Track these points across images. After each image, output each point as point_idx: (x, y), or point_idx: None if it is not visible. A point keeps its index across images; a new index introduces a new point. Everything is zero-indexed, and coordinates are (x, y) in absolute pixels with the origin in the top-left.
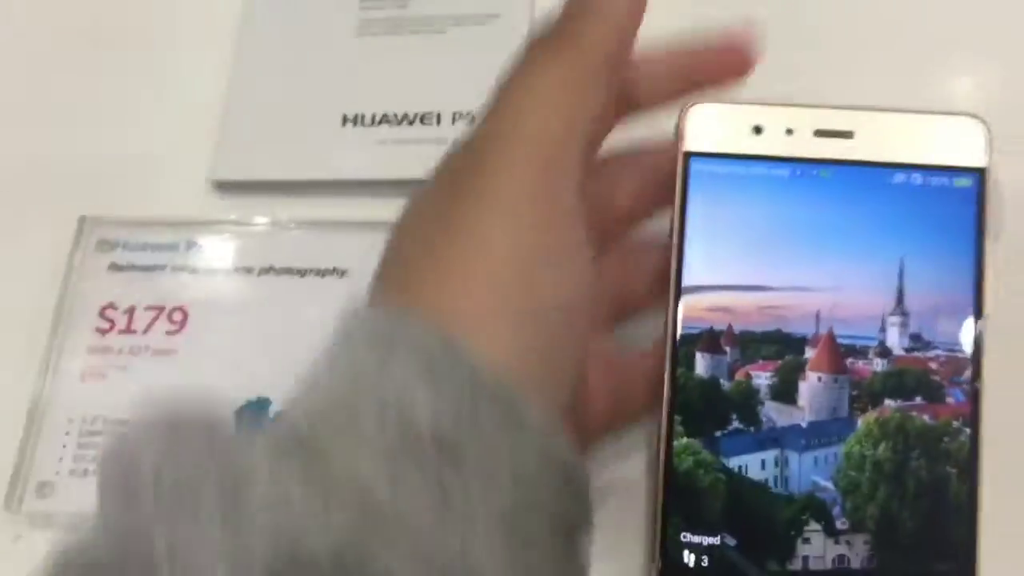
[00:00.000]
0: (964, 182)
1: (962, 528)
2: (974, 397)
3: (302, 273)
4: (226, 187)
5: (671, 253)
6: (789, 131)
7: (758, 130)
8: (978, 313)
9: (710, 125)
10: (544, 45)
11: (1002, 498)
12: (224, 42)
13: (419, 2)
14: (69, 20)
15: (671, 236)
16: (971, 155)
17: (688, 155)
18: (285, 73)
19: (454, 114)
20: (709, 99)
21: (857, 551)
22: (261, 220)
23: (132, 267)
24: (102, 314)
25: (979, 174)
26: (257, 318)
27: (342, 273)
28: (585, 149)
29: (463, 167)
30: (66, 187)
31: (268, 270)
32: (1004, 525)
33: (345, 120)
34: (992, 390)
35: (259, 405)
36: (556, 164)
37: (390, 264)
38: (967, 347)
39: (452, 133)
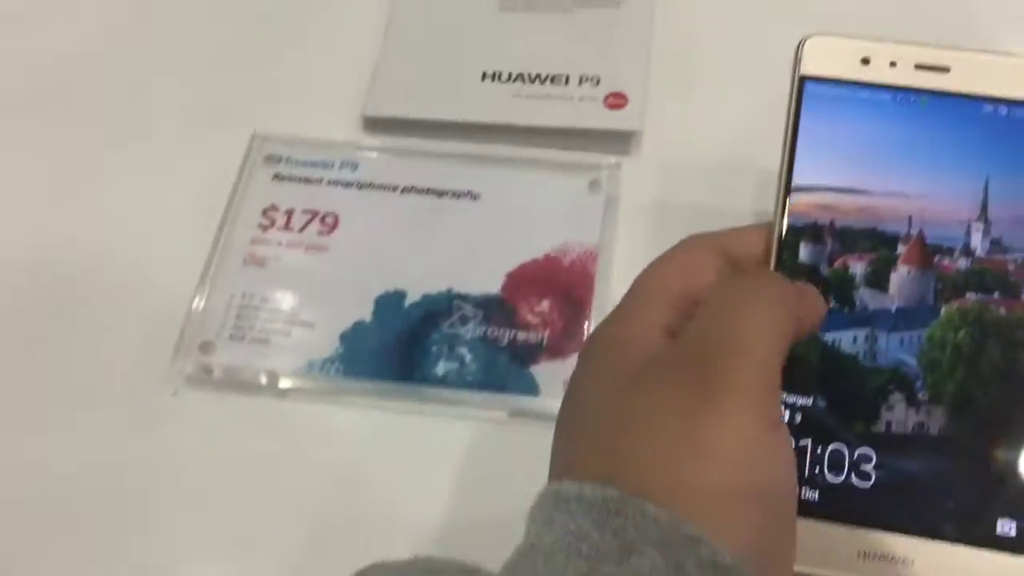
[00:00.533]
0: None
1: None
2: None
3: (440, 194)
4: (375, 123)
5: (782, 158)
6: (893, 63)
7: (866, 61)
8: None
9: (823, 54)
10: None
11: None
12: (381, 6)
13: None
14: None
15: (783, 146)
16: None
17: (803, 79)
18: (434, 34)
19: (581, 76)
20: (824, 33)
21: (935, 420)
22: (408, 147)
23: (293, 178)
24: (265, 214)
25: None
26: (398, 226)
27: (475, 196)
28: None
29: (696, 368)
30: (242, 109)
31: (410, 189)
32: None
33: (484, 76)
34: None
35: (396, 296)
36: (775, 382)
37: (611, 440)
38: None
39: (579, 92)
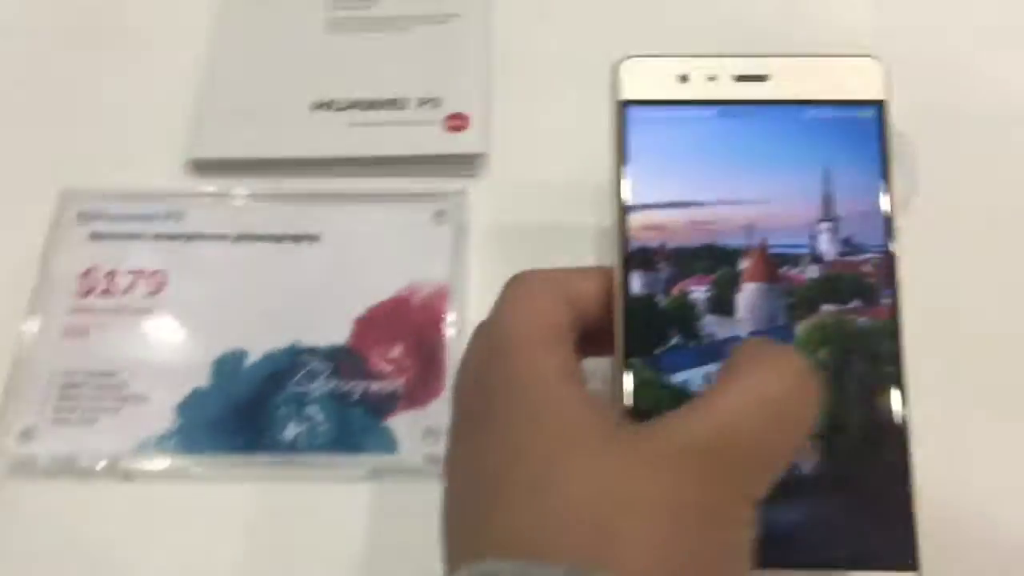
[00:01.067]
0: (866, 113)
1: (897, 425)
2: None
3: (278, 239)
4: (202, 165)
5: (612, 188)
6: (711, 78)
7: (684, 78)
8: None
9: (640, 76)
10: None
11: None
12: (201, 35)
13: (383, 4)
14: (51, 4)
15: (611, 174)
16: (871, 90)
17: (622, 103)
18: (258, 64)
19: (419, 99)
20: (638, 54)
21: (808, 456)
22: (238, 192)
23: (112, 235)
24: (84, 277)
25: (879, 105)
26: (233, 279)
27: (315, 239)
28: None
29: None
30: (50, 164)
31: (244, 237)
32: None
33: (316, 106)
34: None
35: (235, 357)
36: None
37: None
38: (895, 249)
39: (418, 115)
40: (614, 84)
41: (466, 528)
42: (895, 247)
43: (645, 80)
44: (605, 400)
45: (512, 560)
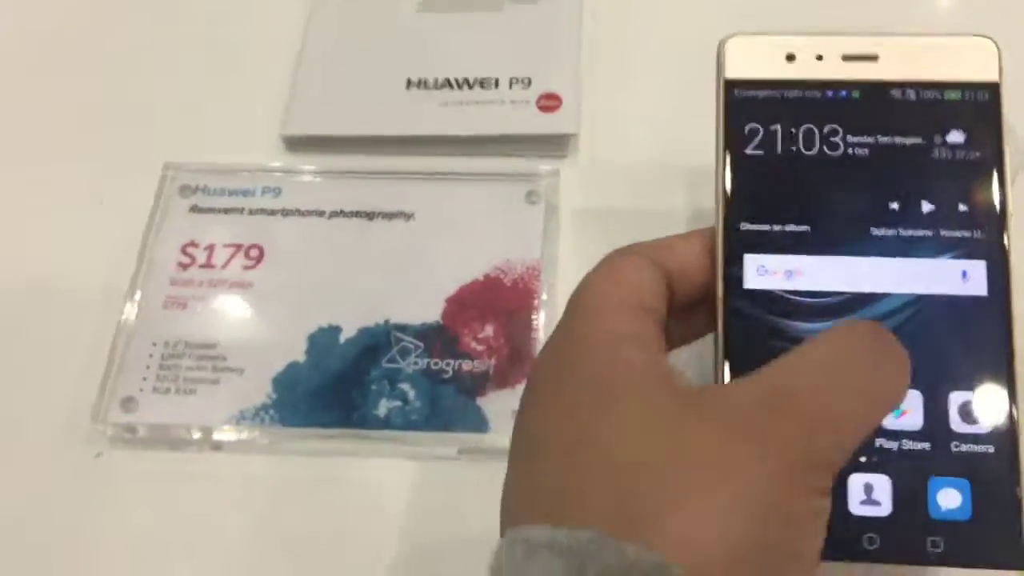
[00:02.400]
0: (982, 96)
1: (1007, 413)
2: None
3: (370, 216)
4: (296, 143)
5: (717, 169)
6: (819, 57)
7: (791, 57)
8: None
9: (746, 55)
10: None
11: None
12: (297, 15)
13: None
14: None
15: (716, 156)
16: (985, 71)
17: (728, 83)
18: (351, 42)
19: (511, 79)
20: (744, 32)
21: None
22: (333, 169)
23: (212, 209)
24: (183, 251)
25: (994, 88)
26: (328, 255)
27: (408, 216)
28: None
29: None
30: (153, 138)
31: (338, 213)
32: None
33: (409, 84)
34: None
35: (331, 332)
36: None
37: (584, 474)
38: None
39: (510, 95)
40: (719, 63)
41: (510, 492)
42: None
43: (751, 58)
44: (683, 371)
45: (543, 525)
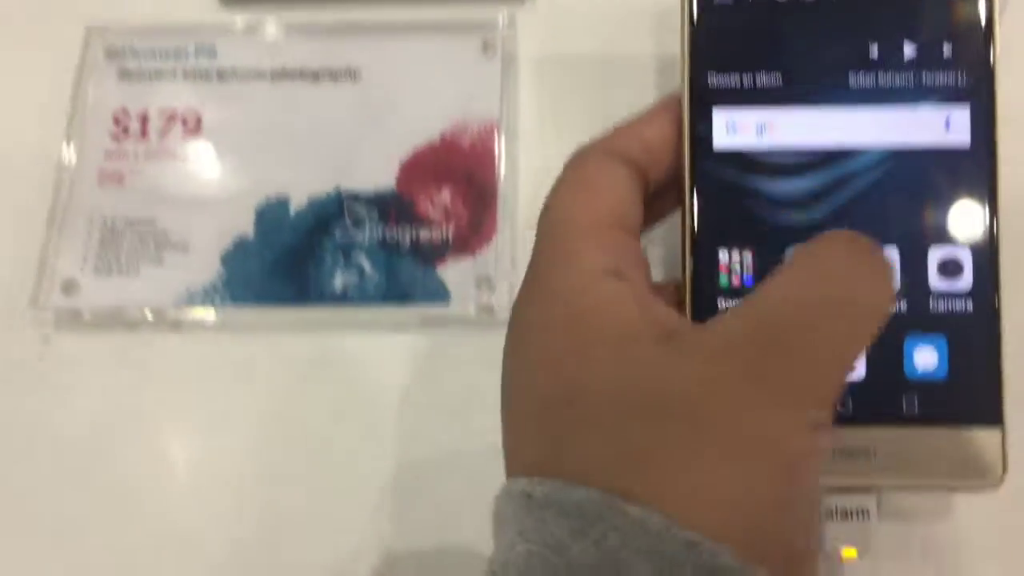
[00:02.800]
0: None
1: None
2: None
3: (315, 76)
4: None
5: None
6: None
7: None
8: None
9: None
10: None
11: None
12: None
13: None
14: None
15: (681, 15)
16: None
17: None
18: None
19: None
20: None
21: None
22: (272, 25)
23: (143, 74)
24: (115, 121)
25: None
26: (271, 120)
27: (356, 75)
28: None
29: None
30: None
31: (281, 73)
32: None
33: None
34: None
35: (279, 204)
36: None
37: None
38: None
39: None
40: None
41: (507, 439)
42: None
43: None
44: (662, 297)
45: (545, 479)
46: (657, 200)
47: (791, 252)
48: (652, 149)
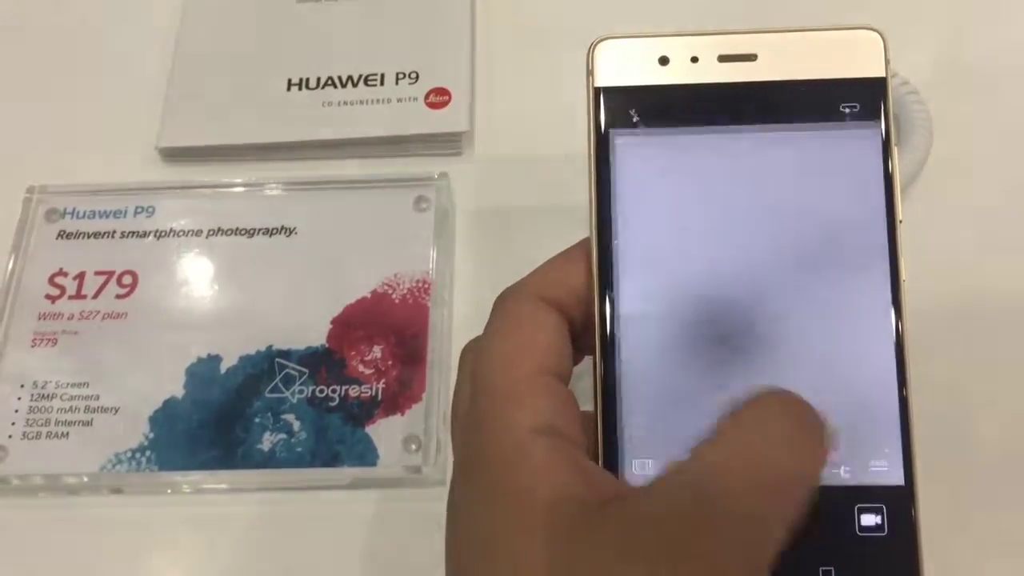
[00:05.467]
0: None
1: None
2: None
3: (251, 233)
4: (173, 154)
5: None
6: (694, 59)
7: (664, 61)
8: None
9: (617, 59)
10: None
11: None
12: (170, 12)
13: None
14: None
15: (589, 175)
16: (872, 66)
17: (598, 91)
18: (229, 41)
19: (397, 74)
20: (613, 35)
21: None
22: (206, 184)
23: (80, 235)
24: (51, 281)
25: (880, 83)
26: (207, 279)
27: (291, 232)
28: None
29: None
30: (15, 159)
31: (217, 231)
32: None
33: (290, 84)
34: None
35: (211, 362)
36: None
37: None
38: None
39: (396, 92)
40: (588, 69)
41: None
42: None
43: (622, 64)
44: (590, 456)
45: None
46: (582, 339)
47: (723, 413)
48: (576, 290)
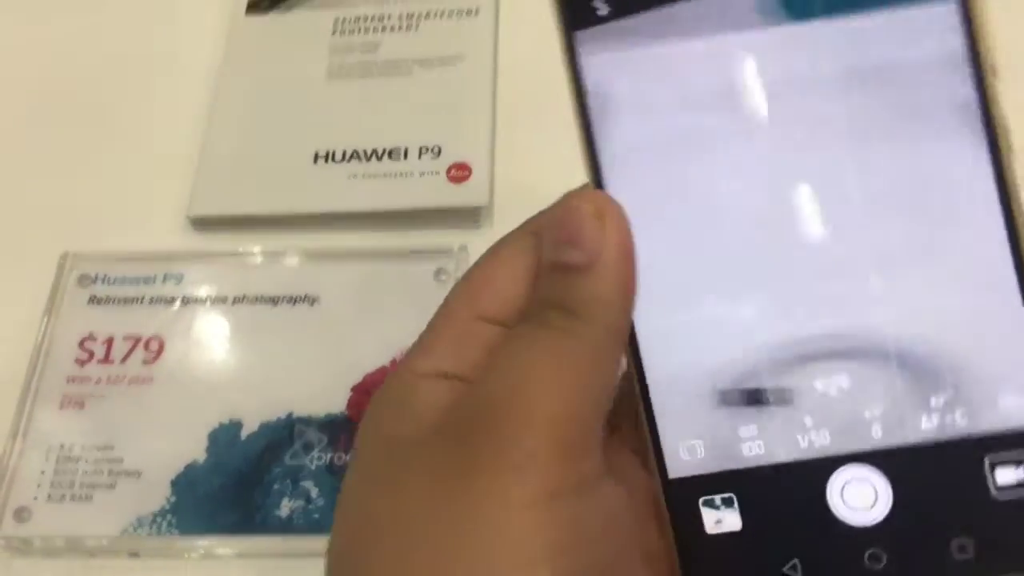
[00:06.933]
0: None
1: None
2: None
3: (274, 301)
4: (203, 223)
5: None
6: None
7: None
8: None
9: None
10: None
11: None
12: (202, 86)
13: (388, 47)
14: (50, 64)
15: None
16: None
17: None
18: (260, 114)
19: (420, 148)
20: None
21: None
22: (233, 252)
23: (111, 300)
24: (81, 345)
25: None
26: (230, 345)
27: (313, 300)
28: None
29: (471, 449)
30: (50, 226)
31: (241, 299)
32: None
33: (317, 157)
34: None
35: (232, 428)
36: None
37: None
38: None
39: (419, 166)
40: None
41: None
42: None
43: None
44: None
45: None
46: None
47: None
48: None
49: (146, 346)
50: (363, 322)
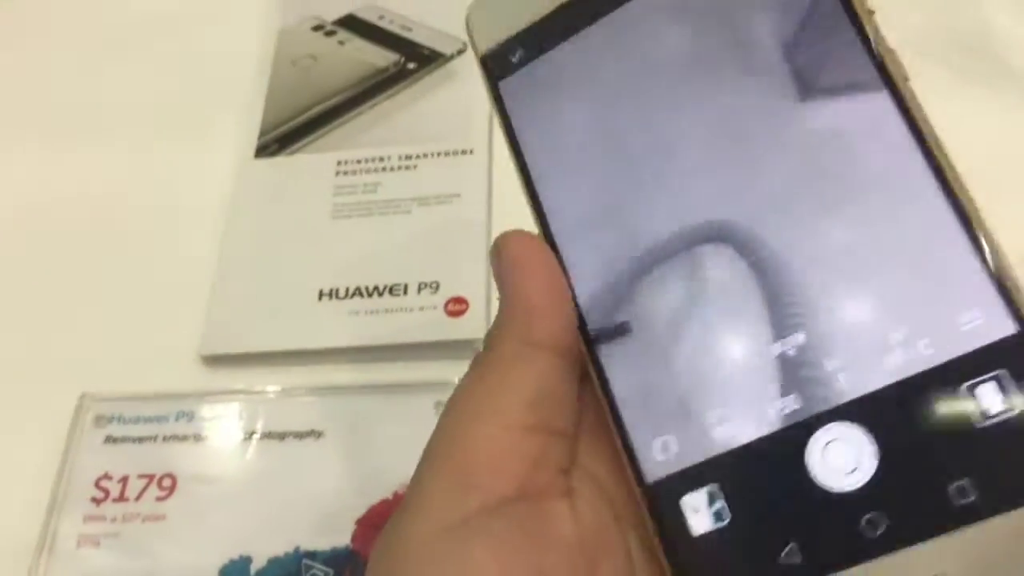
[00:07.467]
0: None
1: None
2: None
3: (281, 437)
4: (214, 361)
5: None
6: None
7: None
8: None
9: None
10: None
11: None
12: (212, 227)
13: (387, 186)
14: (63, 209)
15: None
16: None
17: (484, 59)
18: (267, 255)
19: (419, 284)
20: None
21: None
22: (243, 389)
23: (126, 439)
24: (97, 484)
25: None
26: (240, 481)
27: (319, 435)
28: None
29: None
30: (68, 367)
31: (251, 435)
32: None
33: (321, 295)
34: None
35: (242, 564)
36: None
37: None
38: None
39: (418, 301)
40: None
41: None
42: None
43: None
44: None
45: None
46: None
47: None
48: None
49: (159, 483)
50: (366, 455)
